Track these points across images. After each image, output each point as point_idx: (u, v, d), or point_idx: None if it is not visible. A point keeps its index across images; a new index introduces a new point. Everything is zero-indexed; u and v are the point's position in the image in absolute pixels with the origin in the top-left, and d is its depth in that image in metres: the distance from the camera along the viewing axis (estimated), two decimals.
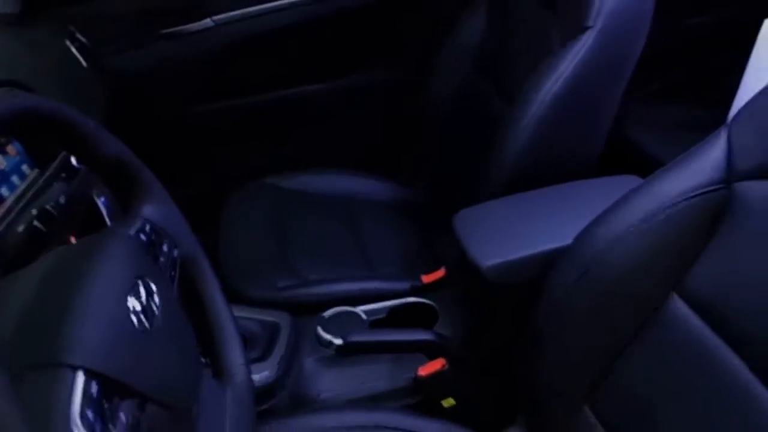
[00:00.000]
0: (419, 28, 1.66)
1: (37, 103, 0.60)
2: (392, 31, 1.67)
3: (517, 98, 1.10)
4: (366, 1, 1.57)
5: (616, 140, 1.72)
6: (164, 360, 0.57)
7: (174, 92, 1.58)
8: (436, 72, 1.47)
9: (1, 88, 0.84)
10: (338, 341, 1.02)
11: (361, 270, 1.32)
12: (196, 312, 0.71)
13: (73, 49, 1.22)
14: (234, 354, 0.71)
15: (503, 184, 1.11)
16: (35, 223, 0.75)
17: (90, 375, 0.46)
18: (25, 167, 0.86)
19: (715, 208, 0.70)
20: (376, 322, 1.20)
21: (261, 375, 1.07)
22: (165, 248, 0.68)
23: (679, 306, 0.72)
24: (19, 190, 0.82)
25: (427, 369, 1.03)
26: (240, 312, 1.17)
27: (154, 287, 0.58)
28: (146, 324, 0.55)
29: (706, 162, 0.73)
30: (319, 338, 1.07)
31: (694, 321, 0.70)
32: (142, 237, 0.65)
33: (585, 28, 1.02)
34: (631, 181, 0.91)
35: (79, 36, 1.26)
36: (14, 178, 0.83)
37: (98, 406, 0.46)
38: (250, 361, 0.85)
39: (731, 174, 0.70)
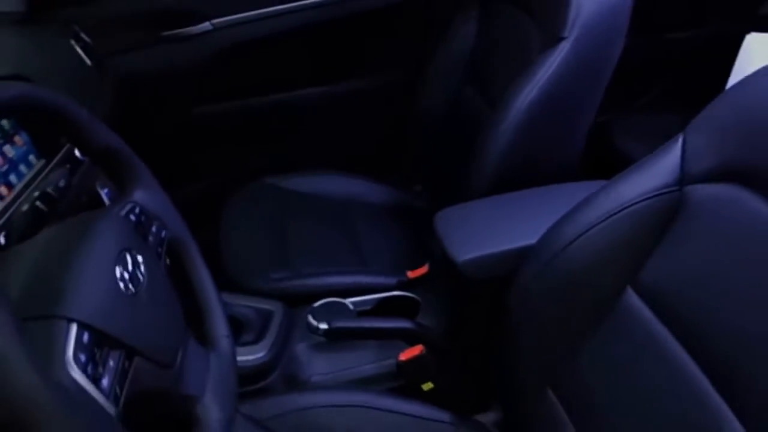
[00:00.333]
0: (415, 35, 1.67)
1: (35, 92, 0.65)
2: (389, 37, 1.68)
3: (498, 103, 1.13)
4: (363, 8, 1.58)
5: (605, 149, 1.75)
6: (149, 321, 0.62)
7: (175, 93, 1.59)
8: (429, 78, 1.49)
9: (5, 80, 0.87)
10: (324, 326, 1.05)
11: (352, 265, 1.35)
12: (183, 288, 0.75)
13: (78, 48, 1.22)
14: (219, 326, 0.75)
15: (484, 185, 1.14)
16: (37, 203, 0.80)
17: (82, 326, 0.52)
18: (31, 157, 0.89)
19: (668, 209, 0.73)
20: (363, 313, 1.24)
21: (255, 356, 1.12)
22: (154, 229, 0.73)
23: (633, 298, 0.75)
24: (26, 178, 0.86)
25: (407, 354, 1.06)
26: (237, 300, 1.22)
27: (140, 259, 0.64)
28: (132, 289, 0.61)
29: (663, 166, 0.75)
30: (308, 325, 1.10)
31: (646, 313, 0.73)
32: (132, 218, 0.69)
33: (560, 39, 1.05)
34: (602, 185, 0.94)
35: (83, 35, 1.26)
36: (22, 167, 0.86)
37: (90, 351, 0.52)
38: (234, 337, 0.90)
39: (684, 177, 0.72)
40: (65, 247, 0.59)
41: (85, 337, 0.52)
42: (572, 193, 0.88)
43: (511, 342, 0.90)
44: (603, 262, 0.78)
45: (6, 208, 0.79)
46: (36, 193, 0.82)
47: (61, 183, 0.86)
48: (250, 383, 1.11)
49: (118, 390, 0.54)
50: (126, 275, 0.60)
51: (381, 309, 1.25)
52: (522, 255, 0.89)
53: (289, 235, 1.41)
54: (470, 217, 1.05)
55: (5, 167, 0.82)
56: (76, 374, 0.50)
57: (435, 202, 1.09)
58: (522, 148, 1.11)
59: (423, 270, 1.28)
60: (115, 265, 0.60)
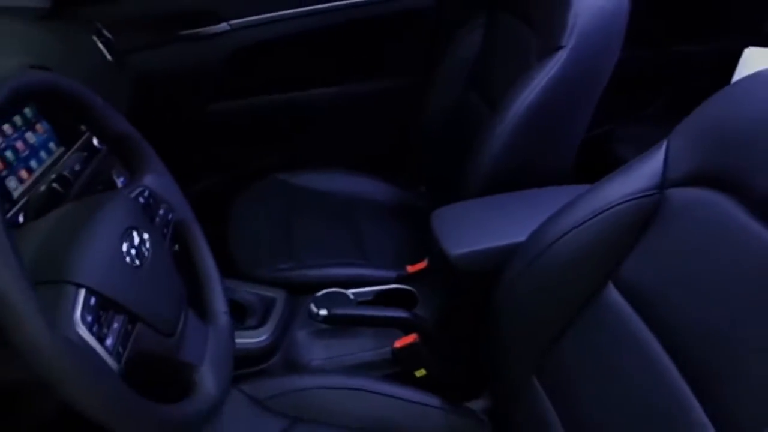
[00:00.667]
0: (424, 42, 1.69)
1: (55, 79, 0.68)
2: (399, 43, 1.70)
3: (498, 107, 1.14)
4: (374, 14, 1.60)
5: (606, 157, 1.76)
6: (152, 292, 0.66)
7: (191, 91, 1.61)
8: (435, 83, 1.51)
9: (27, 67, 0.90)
10: (324, 312, 1.08)
11: (354, 258, 1.37)
12: (187, 267, 0.79)
13: (99, 44, 1.25)
14: (218, 303, 0.78)
15: (481, 186, 1.16)
16: (54, 185, 0.84)
17: (89, 291, 0.57)
18: (51, 144, 0.92)
19: (648, 210, 0.74)
20: (363, 303, 1.26)
21: (257, 339, 1.15)
22: (161, 212, 0.77)
23: (613, 294, 0.76)
24: (45, 164, 0.89)
25: (401, 342, 1.09)
26: (242, 287, 1.24)
27: (146, 237, 0.68)
28: (137, 262, 0.65)
29: (646, 170, 0.77)
30: (309, 312, 1.13)
31: (625, 308, 0.74)
32: (141, 200, 0.74)
33: (559, 47, 1.07)
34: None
35: (105, 32, 1.29)
36: (42, 153, 0.89)
37: (95, 313, 0.57)
38: (238, 321, 0.92)
39: (665, 181, 0.74)
40: (77, 222, 0.63)
41: (92, 300, 0.57)
42: (562, 195, 0.90)
43: (499, 333, 0.92)
44: (586, 258, 0.79)
45: (25, 192, 0.82)
46: (53, 176, 0.86)
47: (77, 167, 0.90)
48: (252, 365, 1.14)
49: (120, 349, 0.59)
50: (132, 250, 0.65)
51: (380, 300, 1.27)
52: (511, 251, 0.91)
53: (295, 228, 1.44)
54: (464, 215, 1.07)
55: (26, 153, 0.85)
56: (83, 332, 0.55)
57: (437, 202, 1.11)
58: (517, 150, 1.13)
59: (422, 265, 1.30)
60: (122, 240, 0.64)
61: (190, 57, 1.53)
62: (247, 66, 1.60)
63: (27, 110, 0.88)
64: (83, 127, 0.97)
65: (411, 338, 1.08)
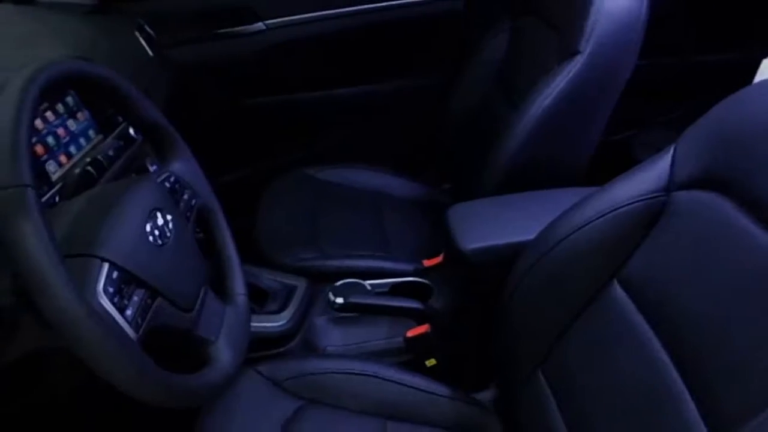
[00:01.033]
0: (451, 44, 1.70)
1: (92, 68, 0.71)
2: (428, 44, 1.70)
3: (518, 108, 1.15)
4: (403, 16, 1.61)
5: (626, 162, 1.75)
6: (173, 270, 0.69)
7: (225, 85, 1.63)
8: (462, 84, 1.52)
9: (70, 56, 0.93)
10: (341, 300, 1.10)
11: (373, 251, 1.38)
12: (209, 250, 0.81)
13: (141, 40, 1.28)
14: (237, 284, 0.81)
15: (497, 183, 1.17)
16: (88, 168, 0.86)
17: (112, 266, 0.60)
18: (91, 132, 0.95)
19: (654, 212, 0.74)
20: (379, 294, 1.27)
21: (277, 323, 1.16)
22: (186, 196, 0.79)
23: (617, 291, 0.77)
24: (84, 150, 0.92)
25: (414, 331, 1.10)
26: (267, 274, 1.27)
27: (169, 218, 0.71)
28: (160, 242, 0.68)
29: (654, 173, 0.77)
30: (328, 300, 1.15)
31: (628, 305, 0.75)
32: (167, 185, 0.76)
33: (577, 52, 1.07)
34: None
35: (147, 28, 1.32)
36: (81, 140, 0.92)
37: (117, 286, 0.60)
38: (260, 305, 0.93)
39: (671, 184, 0.74)
40: (105, 203, 0.66)
41: (115, 274, 0.60)
42: (573, 196, 0.90)
43: (508, 327, 0.92)
44: (592, 256, 0.80)
45: (63, 176, 0.85)
46: (88, 159, 0.89)
47: (110, 152, 0.93)
48: (271, 347, 1.16)
49: (140, 320, 0.61)
50: (156, 230, 0.67)
51: (396, 292, 1.28)
52: (521, 248, 0.91)
53: (319, 220, 1.45)
54: (478, 213, 1.08)
55: (66, 138, 0.89)
56: (105, 302, 0.58)
57: (459, 199, 1.12)
58: (533, 151, 1.13)
59: (438, 259, 1.31)
60: (147, 221, 0.67)
61: (226, 53, 1.56)
62: (280, 63, 1.61)
63: (69, 99, 0.92)
64: (120, 118, 1.00)
65: (423, 328, 1.09)
